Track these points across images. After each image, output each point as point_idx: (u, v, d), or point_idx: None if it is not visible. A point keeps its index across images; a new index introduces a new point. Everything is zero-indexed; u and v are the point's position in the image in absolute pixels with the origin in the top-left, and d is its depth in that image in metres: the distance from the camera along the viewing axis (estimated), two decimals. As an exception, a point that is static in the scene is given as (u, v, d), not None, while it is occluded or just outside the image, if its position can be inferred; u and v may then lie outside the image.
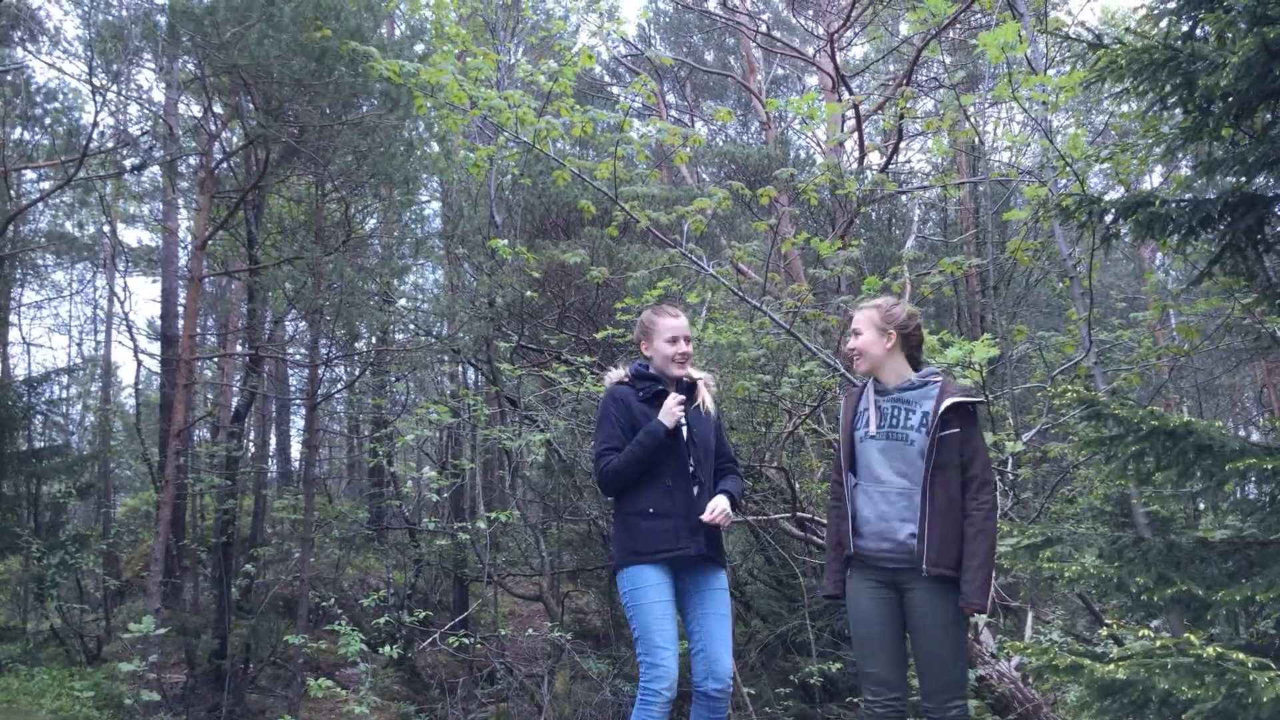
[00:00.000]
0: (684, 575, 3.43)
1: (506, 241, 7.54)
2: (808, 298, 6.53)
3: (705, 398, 3.59)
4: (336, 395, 16.03)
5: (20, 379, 13.87)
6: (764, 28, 14.70)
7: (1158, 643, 3.10)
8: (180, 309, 13.21)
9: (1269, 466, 3.12)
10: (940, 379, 3.31)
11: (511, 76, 12.21)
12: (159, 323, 14.76)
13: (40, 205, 13.91)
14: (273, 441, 19.43)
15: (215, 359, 15.97)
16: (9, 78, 10.97)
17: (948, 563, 3.08)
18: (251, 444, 17.48)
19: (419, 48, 10.01)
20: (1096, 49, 3.73)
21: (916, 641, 3.14)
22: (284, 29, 8.38)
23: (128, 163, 11.34)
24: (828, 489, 3.93)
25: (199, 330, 14.95)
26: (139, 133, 11.74)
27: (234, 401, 14.14)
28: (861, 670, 3.26)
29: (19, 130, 11.98)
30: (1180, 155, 4.16)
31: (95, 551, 12.43)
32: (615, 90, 17.07)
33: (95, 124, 9.94)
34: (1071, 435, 5.57)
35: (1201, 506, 5.88)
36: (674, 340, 3.54)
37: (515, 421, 9.65)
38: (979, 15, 11.16)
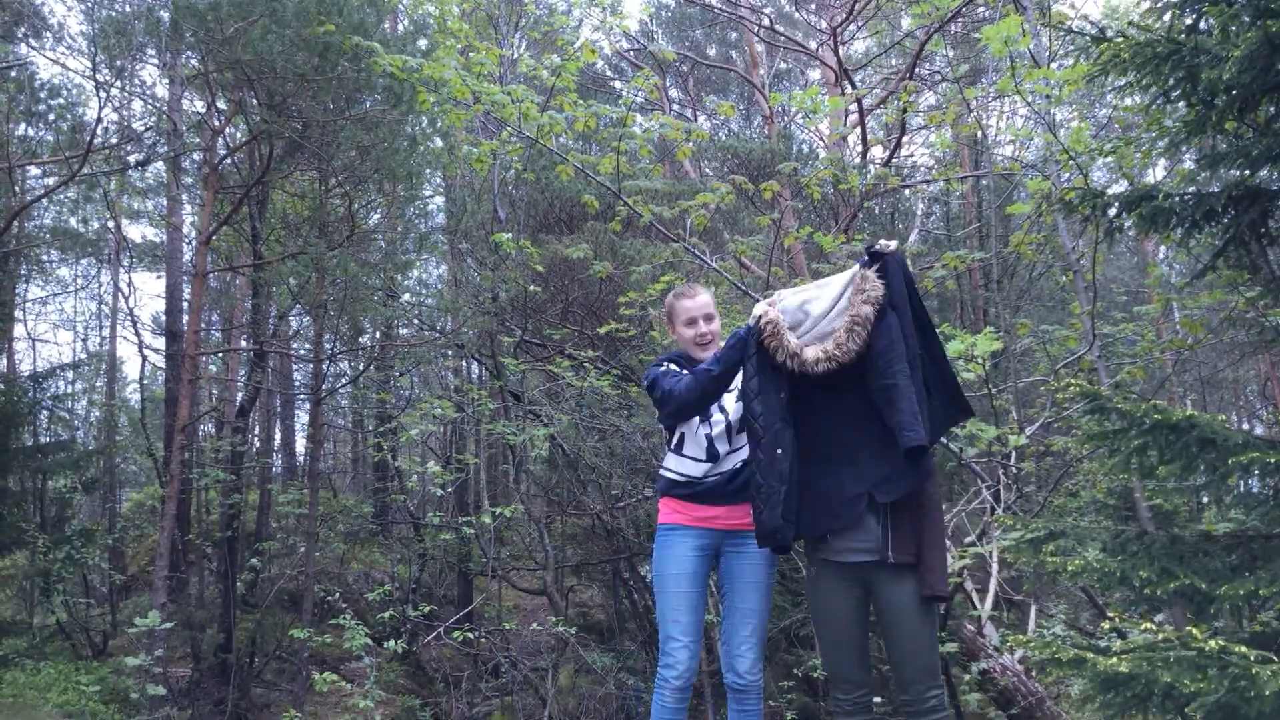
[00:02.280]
0: (725, 560, 3.37)
1: (510, 236, 7.55)
2: (811, 292, 6.52)
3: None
4: (341, 390, 16.05)
5: (26, 374, 13.93)
6: (766, 22, 14.68)
7: (1161, 636, 3.12)
8: (185, 304, 13.23)
9: (1272, 460, 3.12)
10: None
11: (514, 72, 12.19)
12: (163, 318, 14.78)
13: (44, 201, 13.94)
14: (277, 436, 19.46)
15: (220, 354, 16.02)
16: (13, 74, 10.98)
17: (909, 550, 3.07)
18: (256, 439, 17.52)
19: (422, 43, 10.01)
20: (1099, 42, 3.73)
21: (892, 633, 3.10)
22: (287, 24, 8.38)
23: (132, 158, 11.35)
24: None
25: (203, 325, 15.00)
26: (143, 128, 11.74)
27: (239, 396, 14.17)
28: (830, 669, 3.24)
29: (23, 126, 12.00)
30: (1184, 149, 4.16)
31: (101, 546, 12.48)
32: (618, 85, 17.04)
33: (99, 120, 9.94)
34: (1075, 429, 5.58)
35: (1205, 500, 5.88)
36: (692, 322, 3.41)
37: (519, 416, 9.66)
38: (982, 9, 11.13)
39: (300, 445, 19.96)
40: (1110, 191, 4.04)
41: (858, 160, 10.27)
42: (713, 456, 3.31)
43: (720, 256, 7.06)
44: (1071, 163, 4.89)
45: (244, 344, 13.92)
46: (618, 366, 8.77)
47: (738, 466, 3.32)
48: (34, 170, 12.77)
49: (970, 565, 5.44)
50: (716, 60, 18.72)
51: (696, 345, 3.40)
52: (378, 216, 12.96)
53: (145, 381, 16.72)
